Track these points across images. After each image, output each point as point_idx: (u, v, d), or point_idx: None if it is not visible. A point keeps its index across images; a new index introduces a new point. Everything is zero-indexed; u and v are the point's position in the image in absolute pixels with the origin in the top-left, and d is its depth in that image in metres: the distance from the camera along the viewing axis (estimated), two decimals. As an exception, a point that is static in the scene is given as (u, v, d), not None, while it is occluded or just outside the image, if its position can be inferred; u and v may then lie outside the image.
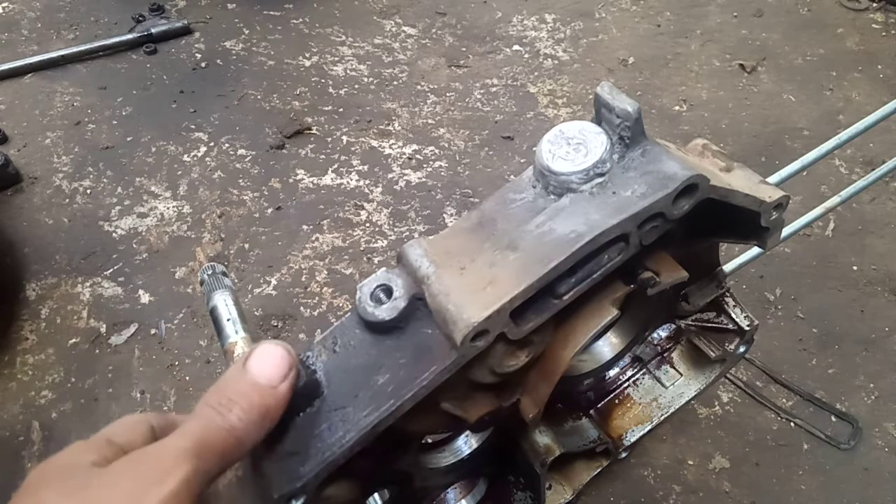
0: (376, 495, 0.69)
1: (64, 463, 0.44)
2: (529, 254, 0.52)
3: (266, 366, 0.47)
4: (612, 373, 0.91)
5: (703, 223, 0.61)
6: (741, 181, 0.63)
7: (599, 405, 0.92)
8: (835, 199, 1.07)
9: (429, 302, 0.53)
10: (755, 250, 1.00)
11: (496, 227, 0.56)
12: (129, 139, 1.64)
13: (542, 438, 0.79)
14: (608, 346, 0.85)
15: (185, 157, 1.61)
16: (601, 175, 0.54)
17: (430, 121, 1.71)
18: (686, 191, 0.53)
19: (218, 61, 1.84)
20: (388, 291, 0.54)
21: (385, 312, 0.53)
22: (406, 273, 0.55)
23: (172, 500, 0.39)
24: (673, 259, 0.62)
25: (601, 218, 0.52)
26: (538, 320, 0.55)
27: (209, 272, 0.72)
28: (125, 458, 0.43)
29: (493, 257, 0.54)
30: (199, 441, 0.43)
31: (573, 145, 0.55)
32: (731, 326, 0.84)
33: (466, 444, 0.77)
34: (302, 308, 1.35)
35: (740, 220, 0.63)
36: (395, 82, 1.81)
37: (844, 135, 0.96)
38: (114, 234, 1.46)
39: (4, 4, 1.97)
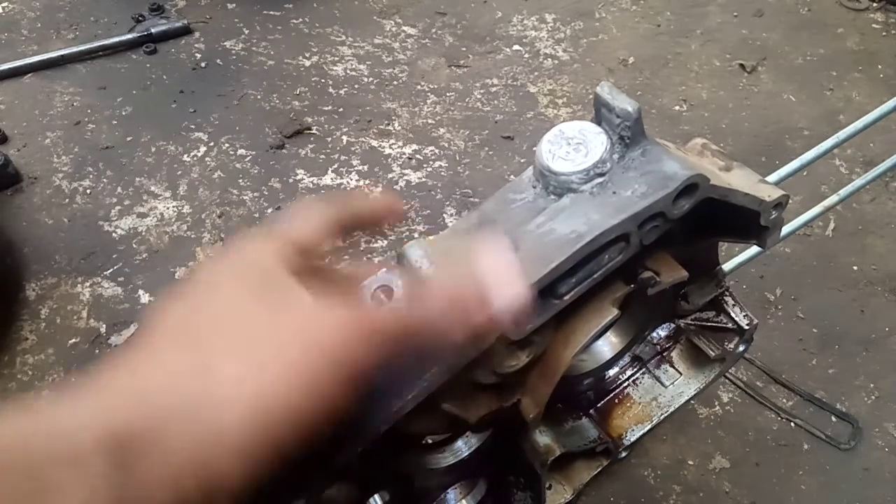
0: (376, 496, 0.69)
1: (252, 261, 0.42)
2: (530, 254, 0.52)
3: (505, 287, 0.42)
4: (611, 372, 0.91)
5: (703, 222, 0.61)
6: (741, 180, 0.63)
7: (599, 405, 0.92)
8: (833, 198, 1.08)
9: (429, 302, 0.53)
10: (755, 249, 1.00)
11: (496, 227, 0.56)
12: (129, 139, 1.64)
13: (543, 438, 0.79)
14: (608, 346, 0.85)
15: (185, 157, 1.61)
16: (601, 175, 0.54)
17: (430, 121, 1.71)
18: (686, 190, 0.53)
19: (218, 61, 1.84)
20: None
21: (385, 313, 0.53)
22: (406, 273, 0.55)
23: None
24: (673, 259, 0.62)
25: (601, 218, 0.52)
26: (538, 320, 0.55)
27: (209, 272, 0.72)
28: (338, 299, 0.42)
29: (494, 257, 0.54)
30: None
31: (573, 145, 0.55)
32: (730, 325, 0.84)
33: (466, 444, 0.77)
34: (302, 308, 1.34)
35: (740, 220, 0.63)
36: (395, 82, 1.81)
37: (843, 133, 0.97)
38: (114, 234, 1.46)
39: (4, 4, 1.97)
